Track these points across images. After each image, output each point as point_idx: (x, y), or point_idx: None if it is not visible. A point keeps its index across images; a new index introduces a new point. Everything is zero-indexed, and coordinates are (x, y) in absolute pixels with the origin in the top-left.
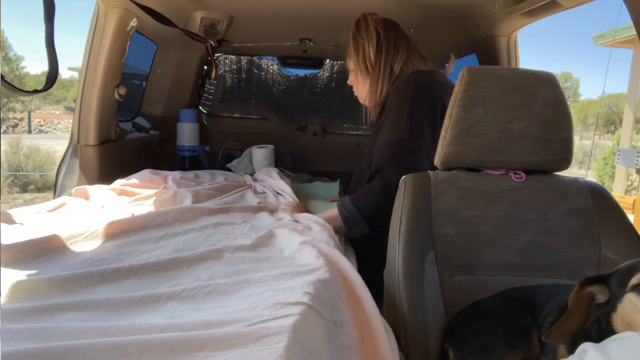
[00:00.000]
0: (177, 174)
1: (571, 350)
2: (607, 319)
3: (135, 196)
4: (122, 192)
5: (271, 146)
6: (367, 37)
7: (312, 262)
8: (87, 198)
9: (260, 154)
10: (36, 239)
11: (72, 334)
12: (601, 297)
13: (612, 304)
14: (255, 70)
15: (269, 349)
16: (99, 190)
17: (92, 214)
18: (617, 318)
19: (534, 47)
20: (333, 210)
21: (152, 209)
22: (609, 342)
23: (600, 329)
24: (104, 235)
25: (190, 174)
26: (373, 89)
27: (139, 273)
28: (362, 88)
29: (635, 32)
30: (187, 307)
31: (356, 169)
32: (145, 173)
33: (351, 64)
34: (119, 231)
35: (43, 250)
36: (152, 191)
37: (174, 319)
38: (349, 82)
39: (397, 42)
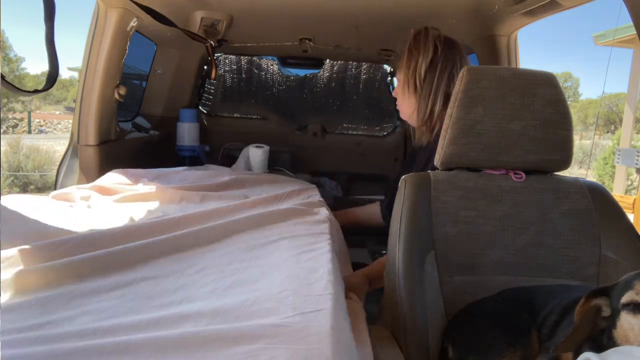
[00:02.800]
0: (153, 172)
1: (575, 352)
2: (608, 335)
3: (119, 194)
4: (101, 190)
5: (267, 147)
6: (422, 51)
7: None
8: (69, 200)
9: (258, 154)
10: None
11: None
12: (606, 310)
13: (612, 320)
14: (255, 70)
15: (316, 349)
16: (78, 192)
17: (82, 215)
18: (618, 334)
19: (534, 47)
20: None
21: (143, 206)
22: (612, 354)
23: (608, 336)
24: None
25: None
26: (420, 108)
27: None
28: (407, 105)
29: (635, 32)
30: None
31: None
32: (113, 174)
33: (401, 76)
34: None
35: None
36: (134, 188)
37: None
38: (394, 93)
39: (455, 63)
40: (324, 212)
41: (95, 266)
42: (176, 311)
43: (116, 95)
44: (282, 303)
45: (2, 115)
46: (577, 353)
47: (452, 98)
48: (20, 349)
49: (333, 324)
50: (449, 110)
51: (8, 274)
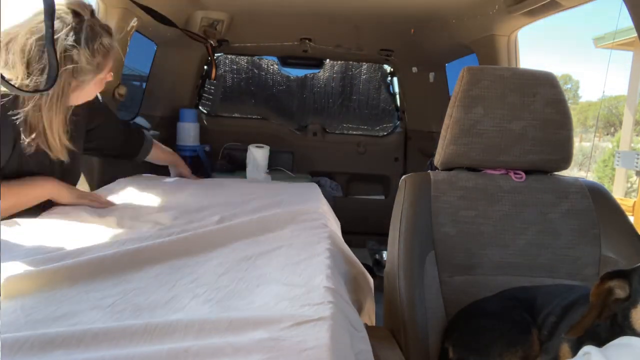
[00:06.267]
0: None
1: (575, 349)
2: (625, 314)
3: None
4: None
5: (267, 147)
6: None
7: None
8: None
9: (259, 155)
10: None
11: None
12: (620, 292)
13: (632, 300)
14: (255, 70)
15: None
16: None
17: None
18: (637, 314)
19: (534, 49)
20: None
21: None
22: (612, 348)
23: (611, 326)
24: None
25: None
26: None
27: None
28: None
29: (635, 34)
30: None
31: None
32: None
33: None
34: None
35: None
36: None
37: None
38: None
39: None
40: (322, 215)
41: (87, 271)
42: (165, 322)
43: (116, 95)
44: (278, 314)
45: None
46: (578, 346)
47: (452, 98)
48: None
49: (332, 335)
50: (449, 110)
51: None
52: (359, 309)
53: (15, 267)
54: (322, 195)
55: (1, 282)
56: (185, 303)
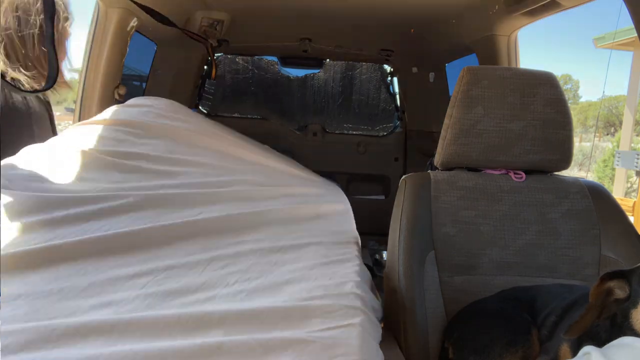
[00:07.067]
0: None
1: (575, 349)
2: (625, 315)
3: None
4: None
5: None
6: None
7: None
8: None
9: None
10: None
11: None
12: (620, 292)
13: (632, 300)
14: (255, 70)
15: None
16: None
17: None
18: (637, 314)
19: (534, 49)
20: None
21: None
22: (612, 348)
23: (611, 326)
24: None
25: None
26: None
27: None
28: None
29: (635, 34)
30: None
31: None
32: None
33: None
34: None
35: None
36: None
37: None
38: None
39: None
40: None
41: (117, 245)
42: (197, 312)
43: (116, 96)
44: (308, 315)
45: None
46: (577, 346)
47: (452, 98)
48: (25, 346)
49: (361, 343)
50: (449, 110)
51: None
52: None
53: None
54: (346, 197)
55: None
56: (216, 291)
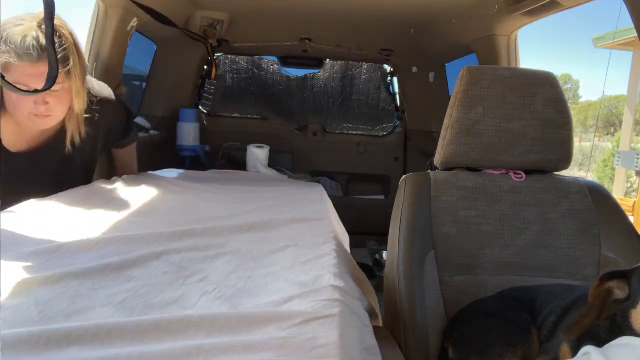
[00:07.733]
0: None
1: (575, 349)
2: (624, 315)
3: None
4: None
5: (267, 147)
6: None
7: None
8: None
9: (259, 154)
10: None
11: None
12: (620, 293)
13: (632, 300)
14: (255, 70)
15: None
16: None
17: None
18: (636, 314)
19: (534, 49)
20: None
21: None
22: (612, 348)
23: (611, 326)
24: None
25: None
26: None
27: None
28: None
29: (635, 34)
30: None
31: None
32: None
33: None
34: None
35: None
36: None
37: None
38: None
39: None
40: (327, 216)
41: (95, 270)
42: (177, 317)
43: None
44: (287, 311)
45: None
46: (577, 347)
47: (452, 98)
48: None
49: (341, 333)
50: (449, 110)
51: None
52: (369, 310)
53: (21, 265)
54: (327, 197)
55: (15, 281)
56: (195, 301)
